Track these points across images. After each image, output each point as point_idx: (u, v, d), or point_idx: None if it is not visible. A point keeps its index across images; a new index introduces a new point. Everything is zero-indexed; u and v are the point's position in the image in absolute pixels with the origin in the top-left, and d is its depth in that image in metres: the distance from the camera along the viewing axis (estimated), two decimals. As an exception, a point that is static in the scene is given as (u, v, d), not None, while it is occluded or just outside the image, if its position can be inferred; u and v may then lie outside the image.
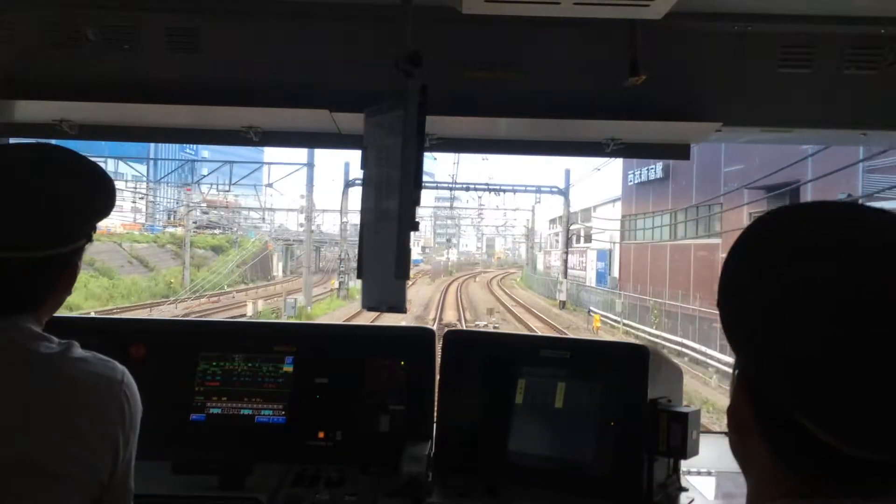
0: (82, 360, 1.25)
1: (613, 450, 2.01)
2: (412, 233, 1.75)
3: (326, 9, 1.98)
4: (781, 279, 0.69)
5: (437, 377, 2.33)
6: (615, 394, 2.06)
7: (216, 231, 50.85)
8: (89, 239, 1.35)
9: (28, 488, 1.14)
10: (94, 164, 1.36)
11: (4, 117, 2.25)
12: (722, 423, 10.66)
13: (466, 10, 1.74)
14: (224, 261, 42.91)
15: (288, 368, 2.35)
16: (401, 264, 1.73)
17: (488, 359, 2.29)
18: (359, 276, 1.98)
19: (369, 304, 1.93)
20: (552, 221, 65.96)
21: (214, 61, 2.08)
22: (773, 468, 0.72)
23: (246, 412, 2.31)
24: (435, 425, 2.27)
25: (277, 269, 50.33)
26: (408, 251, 1.74)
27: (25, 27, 2.04)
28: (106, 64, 2.08)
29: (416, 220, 1.76)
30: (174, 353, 2.39)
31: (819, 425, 0.64)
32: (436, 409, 2.29)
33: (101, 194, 1.34)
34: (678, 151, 2.40)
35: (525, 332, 19.59)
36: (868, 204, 0.77)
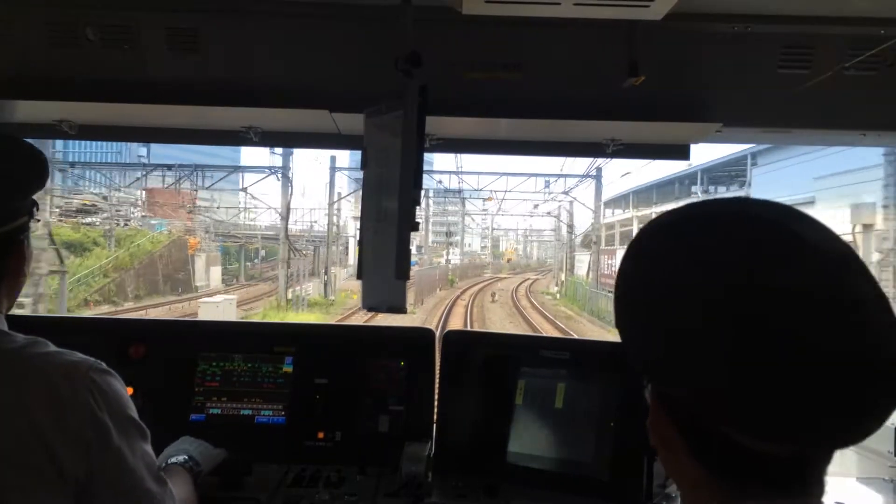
0: (44, 355, 1.23)
1: (613, 450, 2.01)
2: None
3: (326, 9, 1.98)
4: (659, 292, 0.71)
5: (437, 377, 2.33)
6: (615, 394, 2.06)
7: (94, 220, 34.71)
8: (31, 215, 1.34)
9: None
10: (20, 140, 1.37)
11: (4, 117, 2.25)
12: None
13: (466, 10, 1.74)
14: (71, 267, 25.38)
15: (288, 369, 2.35)
16: (401, 264, 1.74)
17: (488, 359, 2.29)
18: (359, 277, 1.98)
19: (369, 304, 1.93)
20: (611, 203, 47.10)
21: (214, 61, 2.08)
22: (701, 476, 0.73)
23: (246, 412, 2.31)
24: (435, 425, 2.27)
25: (208, 276, 36.49)
26: (408, 251, 1.75)
27: (25, 27, 2.04)
28: (106, 64, 2.08)
29: (416, 220, 1.77)
30: (174, 353, 2.39)
31: (725, 423, 0.66)
32: (435, 409, 2.29)
33: (28, 164, 1.33)
34: (678, 152, 2.40)
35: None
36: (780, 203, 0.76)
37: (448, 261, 54.13)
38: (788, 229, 0.70)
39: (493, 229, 76.41)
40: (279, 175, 26.02)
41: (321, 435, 2.27)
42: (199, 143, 2.49)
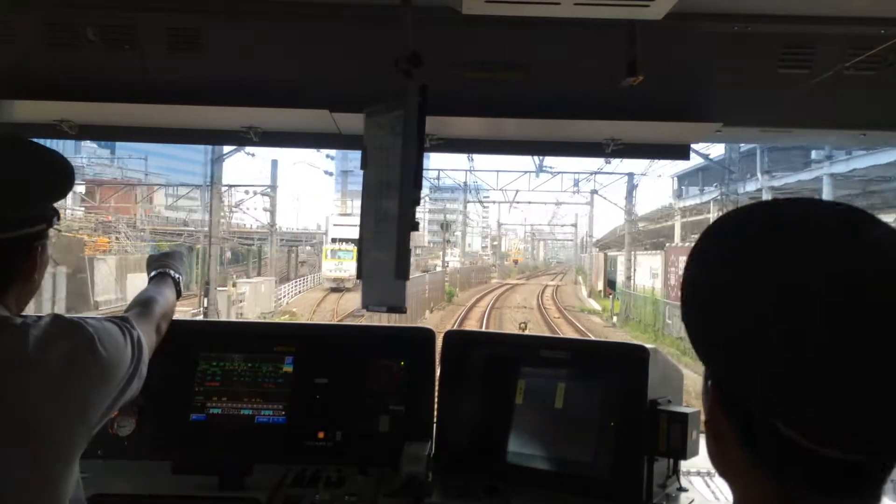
0: (46, 332, 1.26)
1: (613, 450, 2.01)
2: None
3: (326, 9, 1.98)
4: (750, 285, 0.69)
5: (437, 377, 2.33)
6: (615, 394, 2.06)
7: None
8: (49, 223, 1.35)
9: (14, 457, 1.17)
10: (43, 147, 1.39)
11: (4, 117, 2.25)
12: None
13: (466, 10, 1.74)
14: None
15: (288, 368, 2.35)
16: (401, 264, 1.74)
17: (488, 359, 2.29)
18: (359, 277, 1.98)
19: (369, 304, 1.93)
20: (682, 179, 34.34)
21: (214, 61, 2.08)
22: (753, 474, 0.72)
23: (246, 412, 2.31)
24: (435, 425, 2.27)
25: (122, 287, 27.13)
26: (408, 251, 1.75)
27: (26, 27, 2.04)
28: (106, 64, 2.08)
29: (416, 220, 1.77)
30: (174, 352, 2.39)
31: (791, 426, 0.65)
32: (435, 409, 2.29)
33: (50, 172, 1.35)
34: (678, 151, 2.40)
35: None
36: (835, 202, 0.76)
37: (446, 264, 44.53)
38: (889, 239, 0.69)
39: (499, 224, 68.28)
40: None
41: (321, 435, 2.27)
42: (199, 143, 2.49)
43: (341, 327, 3.25)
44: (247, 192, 34.73)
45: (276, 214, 35.09)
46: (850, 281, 0.66)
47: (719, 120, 2.09)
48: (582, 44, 2.04)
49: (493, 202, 51.20)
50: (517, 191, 41.25)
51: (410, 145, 1.73)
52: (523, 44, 2.05)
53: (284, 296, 33.69)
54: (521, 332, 3.18)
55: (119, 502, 1.97)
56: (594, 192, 37.30)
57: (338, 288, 36.44)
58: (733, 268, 0.72)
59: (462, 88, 2.06)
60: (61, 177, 1.36)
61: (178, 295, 1.98)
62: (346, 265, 36.88)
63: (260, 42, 2.09)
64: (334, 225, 41.10)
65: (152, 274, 1.99)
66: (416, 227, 1.76)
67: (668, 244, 26.69)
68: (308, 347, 2.38)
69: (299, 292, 37.05)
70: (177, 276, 2.01)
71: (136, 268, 27.52)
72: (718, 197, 24.61)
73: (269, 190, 34.02)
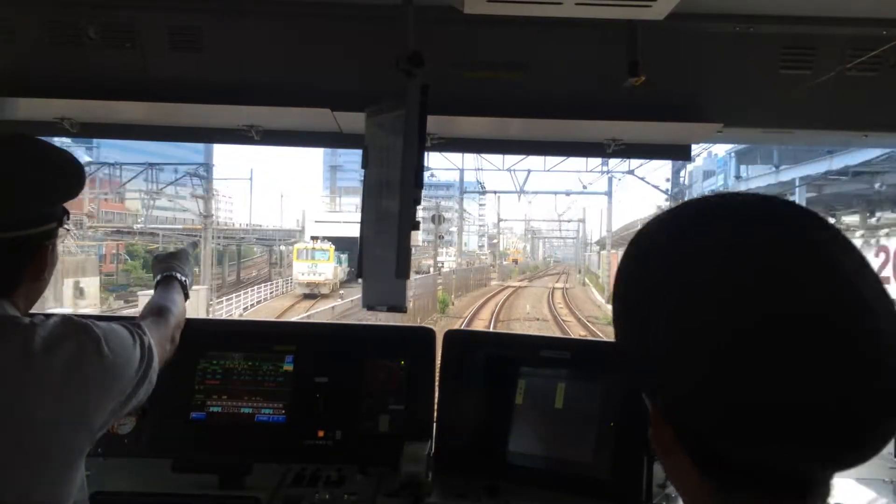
0: (53, 332, 1.26)
1: (613, 450, 2.01)
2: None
3: (328, 8, 1.98)
4: (671, 300, 0.67)
5: (437, 377, 2.33)
6: (615, 394, 2.06)
7: None
8: (59, 222, 1.35)
9: (15, 457, 1.16)
10: (55, 147, 1.38)
11: (5, 115, 2.25)
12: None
13: (468, 10, 1.74)
14: None
15: (288, 367, 2.35)
16: (401, 264, 1.74)
17: (488, 359, 2.29)
18: (359, 276, 1.98)
19: (369, 304, 1.93)
20: (746, 156, 25.77)
21: (215, 60, 2.08)
22: (702, 485, 0.71)
23: (246, 411, 2.31)
24: (435, 425, 2.27)
25: (57, 294, 21.09)
26: (408, 250, 1.75)
27: (27, 26, 2.04)
28: (107, 62, 2.08)
29: (417, 219, 1.77)
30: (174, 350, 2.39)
31: (712, 433, 0.64)
32: (436, 409, 2.29)
33: (60, 171, 1.34)
34: (679, 152, 2.41)
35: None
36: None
37: (440, 265, 39.02)
38: (812, 239, 0.66)
39: (499, 218, 64.03)
40: None
41: (321, 434, 2.27)
42: (200, 142, 2.50)
43: (341, 326, 3.24)
44: (176, 171, 27.82)
45: (211, 203, 27.15)
46: (771, 288, 0.62)
47: (720, 120, 2.09)
48: (583, 44, 2.04)
49: (494, 193, 47.65)
50: (528, 171, 36.49)
51: (411, 145, 1.73)
52: (525, 43, 2.05)
53: (238, 306, 27.12)
54: (521, 332, 3.18)
55: (119, 500, 1.97)
56: (630, 172, 31.31)
57: (312, 294, 32.69)
58: (654, 284, 0.69)
59: (463, 88, 2.06)
60: (72, 176, 1.36)
61: (186, 297, 1.98)
62: (321, 267, 33.34)
63: (261, 41, 2.09)
64: (315, 221, 36.91)
65: (158, 277, 1.97)
66: (416, 226, 1.76)
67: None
68: (308, 346, 2.38)
69: (263, 300, 31.37)
70: (183, 278, 1.99)
71: (77, 271, 23.55)
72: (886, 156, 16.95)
73: (200, 170, 26.51)
